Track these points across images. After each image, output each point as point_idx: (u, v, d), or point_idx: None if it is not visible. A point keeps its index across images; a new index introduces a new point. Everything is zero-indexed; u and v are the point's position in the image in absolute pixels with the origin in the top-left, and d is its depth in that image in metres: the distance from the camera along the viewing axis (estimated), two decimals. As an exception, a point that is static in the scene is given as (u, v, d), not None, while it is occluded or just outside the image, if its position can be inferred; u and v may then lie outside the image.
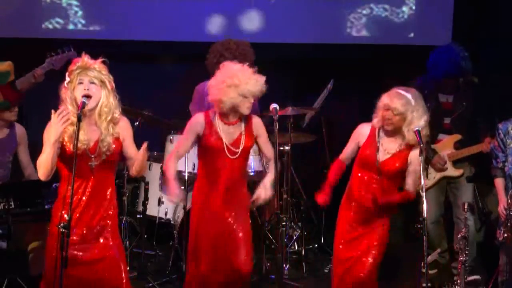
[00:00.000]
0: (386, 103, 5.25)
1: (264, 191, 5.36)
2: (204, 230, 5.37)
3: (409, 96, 5.25)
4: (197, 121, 5.37)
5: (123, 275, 4.78)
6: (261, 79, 5.27)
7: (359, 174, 5.44)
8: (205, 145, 5.34)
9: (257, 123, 5.44)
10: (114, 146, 4.71)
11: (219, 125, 5.32)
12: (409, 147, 5.31)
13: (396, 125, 5.26)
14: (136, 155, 4.74)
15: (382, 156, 5.33)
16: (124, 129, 4.78)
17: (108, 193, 4.78)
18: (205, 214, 5.39)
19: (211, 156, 5.34)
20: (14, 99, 6.48)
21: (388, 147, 5.34)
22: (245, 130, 5.36)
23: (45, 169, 4.59)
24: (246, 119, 5.39)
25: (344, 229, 5.49)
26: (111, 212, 4.80)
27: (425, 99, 6.59)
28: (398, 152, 5.33)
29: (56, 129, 4.49)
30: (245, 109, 5.27)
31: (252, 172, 6.50)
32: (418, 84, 6.61)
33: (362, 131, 5.46)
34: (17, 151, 6.55)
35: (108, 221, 4.77)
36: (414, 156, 5.27)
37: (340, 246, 5.48)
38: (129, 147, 4.80)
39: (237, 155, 5.32)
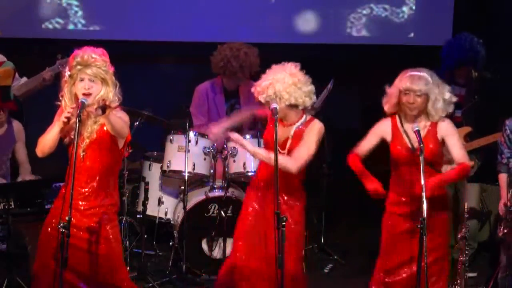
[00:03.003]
0: (406, 87, 5.12)
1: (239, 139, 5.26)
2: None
3: (425, 74, 5.19)
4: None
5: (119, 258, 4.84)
6: (288, 79, 5.19)
7: (404, 173, 5.24)
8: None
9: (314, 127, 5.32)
10: (96, 133, 4.74)
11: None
12: (435, 124, 5.20)
13: (420, 108, 5.16)
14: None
15: (416, 144, 5.12)
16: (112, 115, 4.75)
17: (100, 182, 4.79)
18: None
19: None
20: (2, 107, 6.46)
21: (414, 135, 5.15)
22: (294, 133, 5.29)
23: (42, 147, 4.68)
24: (305, 121, 5.33)
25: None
26: (106, 204, 4.82)
27: None
28: (426, 134, 5.19)
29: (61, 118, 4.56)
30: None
31: (251, 172, 6.49)
32: None
33: (383, 127, 5.29)
34: (14, 148, 6.56)
35: (104, 214, 4.80)
36: (444, 129, 5.17)
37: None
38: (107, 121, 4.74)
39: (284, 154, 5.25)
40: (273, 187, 4.90)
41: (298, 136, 5.27)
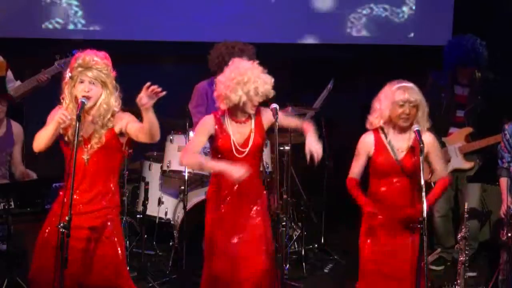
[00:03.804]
0: (402, 98, 5.12)
1: (313, 146, 5.13)
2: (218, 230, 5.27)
3: (412, 84, 5.21)
4: (206, 122, 5.26)
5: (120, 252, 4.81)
6: (270, 79, 5.15)
7: (382, 185, 5.26)
8: (215, 146, 5.26)
9: (265, 113, 5.25)
10: (104, 138, 4.73)
11: (229, 124, 5.23)
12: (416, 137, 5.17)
13: (413, 118, 5.17)
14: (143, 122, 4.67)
15: (398, 156, 5.20)
16: (119, 118, 4.76)
17: (105, 185, 4.78)
18: (218, 214, 5.28)
19: (221, 156, 5.22)
20: None
21: (399, 146, 5.22)
22: (255, 127, 5.24)
23: (38, 143, 4.67)
24: (255, 115, 5.25)
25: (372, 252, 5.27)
26: (110, 206, 4.81)
27: (441, 91, 6.66)
28: (411, 147, 5.22)
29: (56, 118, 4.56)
30: (249, 108, 5.17)
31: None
32: (433, 79, 6.68)
33: (367, 141, 5.29)
34: (11, 149, 6.56)
35: (108, 216, 4.78)
36: (428, 143, 5.16)
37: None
38: (132, 125, 4.74)
39: (244, 154, 5.20)
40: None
41: (259, 126, 5.24)
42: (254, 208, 5.27)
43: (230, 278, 5.20)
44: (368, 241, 5.27)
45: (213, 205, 5.28)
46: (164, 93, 4.63)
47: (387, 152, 5.23)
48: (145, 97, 4.58)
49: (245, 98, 5.10)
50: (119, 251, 4.82)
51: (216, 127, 5.22)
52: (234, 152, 5.18)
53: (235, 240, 5.23)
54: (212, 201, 5.29)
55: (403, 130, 5.23)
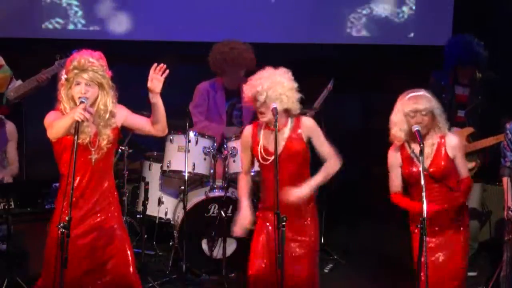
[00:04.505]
0: (412, 109, 5.14)
1: (300, 189, 5.16)
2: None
3: (423, 92, 5.22)
4: (244, 134, 5.31)
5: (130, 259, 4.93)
6: (287, 83, 5.13)
7: (416, 194, 5.26)
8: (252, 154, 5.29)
9: (307, 124, 5.21)
10: (112, 136, 4.79)
11: (262, 132, 5.20)
12: (442, 139, 5.22)
13: (428, 126, 5.19)
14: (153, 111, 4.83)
15: (425, 164, 5.18)
16: (119, 114, 4.84)
17: (108, 183, 4.86)
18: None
19: (258, 164, 5.27)
20: None
21: (424, 153, 5.18)
22: (288, 136, 5.18)
23: (52, 132, 4.65)
24: (292, 124, 5.20)
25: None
26: (115, 202, 4.89)
27: (442, 91, 6.66)
28: (436, 152, 5.25)
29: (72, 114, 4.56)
30: (260, 114, 5.12)
31: (252, 172, 6.49)
32: (434, 78, 6.69)
33: (395, 156, 5.31)
34: (5, 148, 6.57)
35: (115, 213, 4.87)
36: (450, 146, 5.21)
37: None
38: (134, 120, 4.89)
39: (269, 161, 5.14)
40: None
41: (292, 140, 5.18)
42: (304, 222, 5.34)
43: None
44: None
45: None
46: (167, 71, 4.85)
47: (413, 163, 5.24)
48: (155, 80, 4.75)
49: (259, 104, 5.08)
50: (130, 246, 4.95)
51: (252, 136, 5.24)
52: (260, 159, 5.19)
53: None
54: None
55: (423, 137, 5.20)
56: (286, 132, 5.19)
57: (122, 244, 4.89)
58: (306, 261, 5.32)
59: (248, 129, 5.31)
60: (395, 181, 5.32)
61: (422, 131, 5.17)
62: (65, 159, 4.66)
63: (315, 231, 5.39)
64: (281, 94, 5.09)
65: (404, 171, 5.29)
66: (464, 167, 5.32)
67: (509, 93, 7.09)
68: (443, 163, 5.21)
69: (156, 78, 4.78)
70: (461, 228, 5.31)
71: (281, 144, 5.13)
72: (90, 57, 4.69)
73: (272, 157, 5.06)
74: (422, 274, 4.98)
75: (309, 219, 5.35)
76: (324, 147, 5.20)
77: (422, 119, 5.16)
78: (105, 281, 4.85)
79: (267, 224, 5.21)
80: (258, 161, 5.22)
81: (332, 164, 5.19)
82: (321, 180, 5.21)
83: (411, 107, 5.15)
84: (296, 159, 5.17)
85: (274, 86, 5.10)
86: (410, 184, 5.31)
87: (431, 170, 5.18)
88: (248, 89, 5.17)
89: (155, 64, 4.81)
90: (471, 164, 6.76)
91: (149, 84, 4.80)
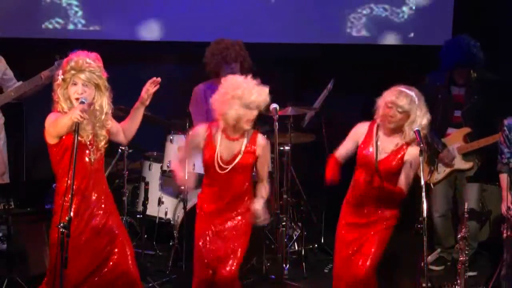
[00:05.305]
0: (391, 100, 5.22)
1: (257, 217, 5.23)
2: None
3: (413, 94, 5.25)
4: (197, 133, 5.30)
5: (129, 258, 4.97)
6: (265, 90, 5.14)
7: (360, 173, 5.42)
8: (203, 156, 5.27)
9: (262, 144, 5.27)
10: (107, 137, 4.83)
11: (219, 137, 5.21)
12: (406, 146, 5.30)
13: (398, 123, 5.25)
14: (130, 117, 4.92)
15: (379, 155, 5.31)
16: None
17: (104, 184, 4.90)
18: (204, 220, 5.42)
19: (206, 168, 5.28)
20: None
21: (385, 146, 5.33)
22: (245, 149, 5.21)
23: (52, 131, 4.66)
24: (249, 137, 5.24)
25: (345, 225, 5.51)
26: (110, 200, 4.91)
27: (437, 92, 6.67)
28: (395, 151, 5.31)
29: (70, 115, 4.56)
30: (244, 122, 5.13)
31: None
32: (430, 79, 6.69)
33: (360, 130, 5.44)
34: None
35: (110, 208, 4.89)
36: (410, 155, 5.26)
37: (343, 232, 5.49)
38: (114, 125, 4.91)
39: (226, 171, 5.19)
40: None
41: (248, 153, 5.22)
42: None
43: None
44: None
45: None
46: (157, 87, 4.90)
47: (370, 146, 5.33)
48: (150, 91, 4.85)
49: (243, 111, 5.09)
50: (131, 246, 4.98)
51: (206, 138, 5.22)
52: (216, 166, 5.18)
53: None
54: None
55: (391, 132, 5.31)
56: (244, 144, 5.21)
57: (122, 243, 4.90)
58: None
59: (202, 129, 5.29)
60: (342, 150, 5.45)
61: (390, 125, 5.26)
62: (66, 160, 4.65)
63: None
64: (262, 100, 5.13)
65: (360, 150, 5.38)
66: (406, 180, 5.29)
67: (506, 93, 7.09)
68: (393, 163, 5.28)
69: (150, 90, 4.88)
70: (385, 222, 5.41)
71: (238, 155, 5.18)
72: (87, 58, 4.71)
73: (230, 166, 5.14)
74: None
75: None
76: (265, 168, 5.29)
77: (394, 114, 5.22)
78: (106, 280, 4.84)
79: (212, 227, 5.39)
80: (211, 167, 5.20)
81: (267, 187, 5.29)
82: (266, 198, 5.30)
83: (391, 98, 5.23)
84: (247, 170, 5.25)
85: (260, 91, 5.14)
86: (358, 164, 5.42)
87: (380, 164, 5.27)
88: (229, 89, 5.18)
89: (154, 78, 4.89)
90: (469, 164, 6.76)
91: (143, 94, 4.88)
